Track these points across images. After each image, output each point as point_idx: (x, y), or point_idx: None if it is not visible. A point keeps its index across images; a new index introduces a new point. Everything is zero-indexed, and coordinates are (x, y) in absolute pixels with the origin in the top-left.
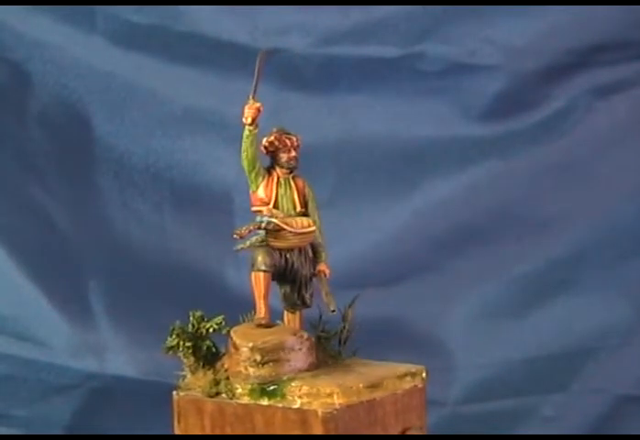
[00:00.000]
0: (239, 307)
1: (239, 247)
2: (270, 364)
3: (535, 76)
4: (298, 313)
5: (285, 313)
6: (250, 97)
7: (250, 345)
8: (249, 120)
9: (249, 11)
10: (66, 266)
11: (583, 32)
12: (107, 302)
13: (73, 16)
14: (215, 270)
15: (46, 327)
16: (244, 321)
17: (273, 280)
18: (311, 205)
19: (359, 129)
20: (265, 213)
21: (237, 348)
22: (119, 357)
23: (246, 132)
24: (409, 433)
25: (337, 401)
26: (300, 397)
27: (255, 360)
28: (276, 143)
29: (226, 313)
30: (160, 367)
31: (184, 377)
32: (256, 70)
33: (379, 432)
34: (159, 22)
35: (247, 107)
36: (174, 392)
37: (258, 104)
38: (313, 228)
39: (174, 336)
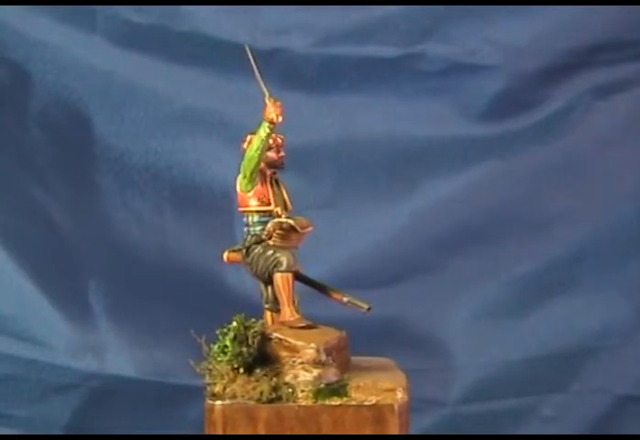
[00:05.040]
0: (239, 307)
1: (236, 247)
2: (332, 364)
3: (535, 76)
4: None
5: (268, 313)
6: (268, 96)
7: (314, 346)
8: (280, 118)
9: (249, 11)
10: (66, 266)
11: (583, 32)
12: (107, 302)
13: (73, 16)
14: (215, 270)
15: (46, 327)
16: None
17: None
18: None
19: (359, 129)
20: (279, 213)
21: (295, 351)
22: (119, 357)
23: (267, 130)
24: None
25: (401, 395)
26: (372, 394)
27: (320, 361)
28: (269, 142)
29: (225, 312)
30: (160, 367)
31: (213, 385)
32: (256, 68)
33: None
34: (159, 22)
35: (271, 106)
36: (216, 403)
37: (279, 103)
38: (311, 228)
39: (236, 343)
